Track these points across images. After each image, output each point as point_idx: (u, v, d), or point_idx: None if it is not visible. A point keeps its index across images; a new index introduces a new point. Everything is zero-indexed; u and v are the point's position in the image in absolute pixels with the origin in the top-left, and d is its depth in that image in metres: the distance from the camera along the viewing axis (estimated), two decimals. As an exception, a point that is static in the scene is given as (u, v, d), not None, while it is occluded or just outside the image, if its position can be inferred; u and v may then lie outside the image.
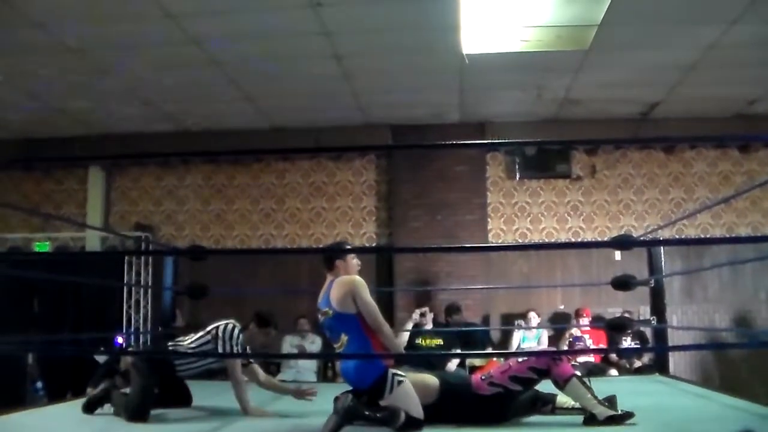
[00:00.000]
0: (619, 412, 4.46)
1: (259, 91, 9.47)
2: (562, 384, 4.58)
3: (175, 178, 11.55)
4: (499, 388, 4.58)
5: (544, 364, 4.61)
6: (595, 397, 4.53)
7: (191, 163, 11.47)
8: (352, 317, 4.58)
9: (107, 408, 5.22)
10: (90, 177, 11.49)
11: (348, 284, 4.63)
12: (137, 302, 10.54)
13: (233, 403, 5.39)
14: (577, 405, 4.74)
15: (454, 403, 4.61)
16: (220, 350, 5.34)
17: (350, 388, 4.58)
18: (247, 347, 5.58)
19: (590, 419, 4.47)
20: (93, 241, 11.01)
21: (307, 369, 9.59)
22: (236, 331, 5.41)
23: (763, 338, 9.89)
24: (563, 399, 4.80)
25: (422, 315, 9.02)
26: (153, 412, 5.07)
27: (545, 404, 4.83)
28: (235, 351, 5.37)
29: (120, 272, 10.42)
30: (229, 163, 11.40)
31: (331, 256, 4.90)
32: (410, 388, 4.50)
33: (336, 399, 4.47)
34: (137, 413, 4.99)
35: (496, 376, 4.64)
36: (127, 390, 5.47)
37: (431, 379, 4.71)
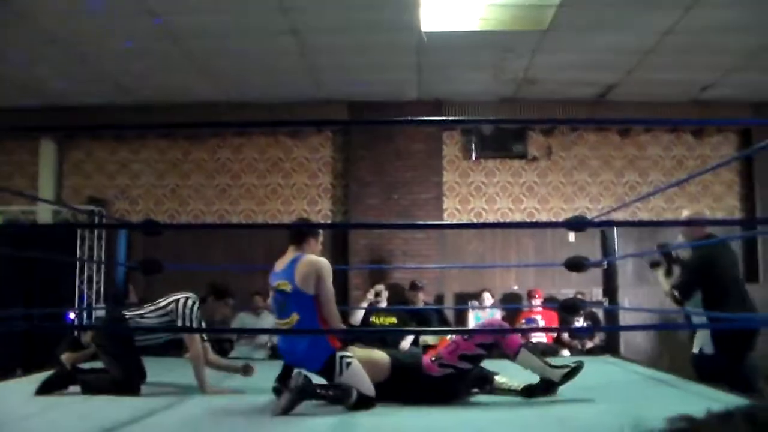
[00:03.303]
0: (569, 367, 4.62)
1: (216, 65, 9.37)
2: (512, 356, 4.66)
3: (130, 151, 11.38)
4: (450, 368, 4.60)
5: (492, 338, 4.66)
6: (546, 363, 4.62)
7: (146, 137, 11.32)
8: (309, 298, 4.57)
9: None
10: (41, 149, 11.26)
11: (317, 265, 4.62)
12: (90, 278, 10.42)
13: (188, 379, 5.38)
14: (514, 386, 4.80)
15: (405, 383, 4.63)
16: (179, 325, 5.36)
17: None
18: (202, 323, 5.57)
19: (547, 384, 4.60)
20: (45, 215, 10.84)
21: (258, 346, 9.55)
22: (195, 306, 5.43)
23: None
24: (501, 379, 4.86)
25: (377, 295, 9.04)
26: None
27: (485, 383, 4.88)
28: (194, 326, 5.39)
29: (72, 247, 10.28)
30: (185, 137, 11.28)
31: (306, 231, 4.88)
32: (359, 368, 4.52)
33: (282, 377, 4.51)
34: (129, 387, 5.09)
35: (445, 356, 4.65)
36: (93, 367, 5.51)
37: (382, 357, 4.73)
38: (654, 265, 6.48)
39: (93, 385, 5.17)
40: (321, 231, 5.04)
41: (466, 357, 4.61)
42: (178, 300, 5.45)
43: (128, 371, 5.23)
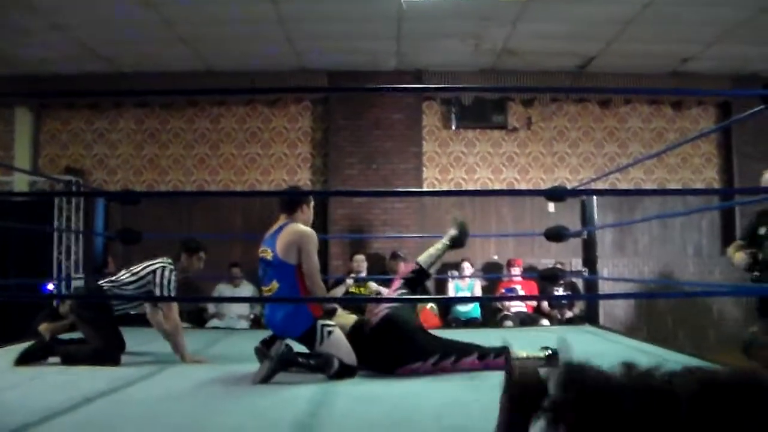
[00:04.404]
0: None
1: (194, 33, 9.24)
2: (418, 269, 4.87)
3: (107, 121, 11.24)
4: (384, 309, 4.73)
5: (399, 278, 4.90)
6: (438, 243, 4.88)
7: (123, 107, 11.18)
8: (290, 267, 4.56)
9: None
10: (17, 118, 11.07)
11: (299, 235, 4.61)
12: (68, 248, 10.34)
13: (167, 349, 5.38)
14: (532, 353, 4.55)
15: (358, 341, 4.64)
16: (159, 289, 5.39)
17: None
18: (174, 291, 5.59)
19: (453, 244, 5.04)
20: (21, 185, 10.72)
21: (240, 317, 9.55)
22: (173, 275, 5.47)
23: (688, 290, 10.14)
24: (519, 350, 4.58)
25: (358, 273, 9.13)
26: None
27: (497, 356, 4.66)
28: (172, 288, 5.44)
29: (50, 218, 10.19)
30: (163, 107, 11.15)
31: (297, 199, 4.85)
32: (341, 336, 4.53)
33: (267, 341, 4.52)
34: (109, 357, 5.11)
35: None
36: (72, 337, 5.54)
37: (347, 322, 4.77)
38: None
39: (73, 356, 5.17)
40: (312, 198, 5.02)
41: (392, 299, 4.91)
42: (155, 271, 5.47)
43: (108, 341, 5.23)
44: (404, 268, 4.94)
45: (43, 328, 7.11)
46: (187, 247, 5.76)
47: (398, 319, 4.65)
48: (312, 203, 4.93)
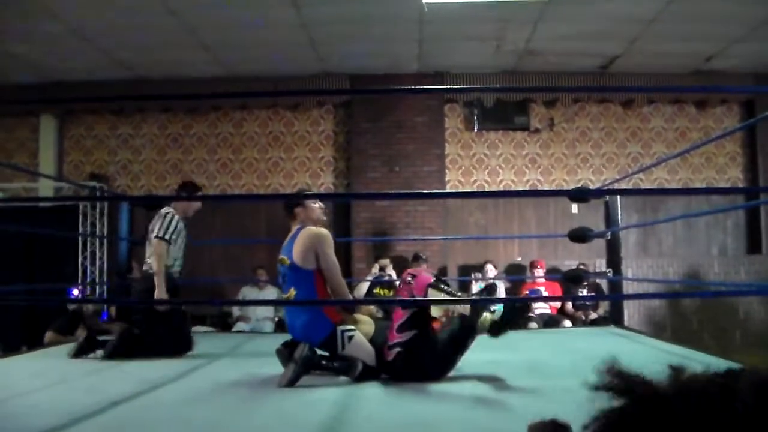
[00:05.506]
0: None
1: (216, 40, 9.29)
2: (423, 297, 4.44)
3: (131, 127, 11.32)
4: (396, 347, 4.43)
5: (406, 293, 4.49)
6: (452, 294, 4.52)
7: (147, 112, 11.26)
8: (308, 273, 4.53)
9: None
10: (42, 125, 11.19)
11: (313, 238, 4.57)
12: (93, 253, 10.41)
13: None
14: (488, 318, 4.52)
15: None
16: (157, 230, 5.88)
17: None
18: (182, 234, 6.07)
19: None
20: (46, 192, 10.83)
21: (265, 320, 9.57)
22: (174, 219, 5.94)
23: (714, 290, 10.06)
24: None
25: (382, 269, 9.12)
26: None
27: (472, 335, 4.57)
28: (168, 232, 5.89)
29: (75, 223, 10.27)
30: (186, 112, 11.22)
31: (291, 204, 4.85)
32: (362, 340, 4.50)
33: (285, 346, 4.51)
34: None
35: (389, 338, 4.50)
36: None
37: (367, 332, 4.66)
38: None
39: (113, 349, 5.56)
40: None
41: (402, 326, 4.43)
42: (161, 215, 5.96)
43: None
44: (416, 286, 4.45)
45: (48, 336, 7.23)
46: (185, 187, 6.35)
47: (412, 358, 4.42)
48: (309, 201, 4.88)
